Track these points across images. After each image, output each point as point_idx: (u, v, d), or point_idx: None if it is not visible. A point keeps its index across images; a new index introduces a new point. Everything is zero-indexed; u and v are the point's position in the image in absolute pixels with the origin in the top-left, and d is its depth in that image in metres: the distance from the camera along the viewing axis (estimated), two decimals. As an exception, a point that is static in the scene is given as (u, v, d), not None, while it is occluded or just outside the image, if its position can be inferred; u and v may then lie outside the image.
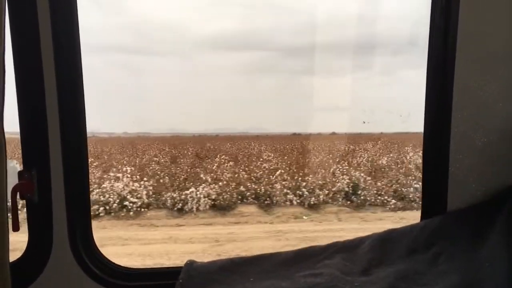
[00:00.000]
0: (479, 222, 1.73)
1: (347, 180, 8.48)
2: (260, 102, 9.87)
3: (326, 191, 8.21)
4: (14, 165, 1.80)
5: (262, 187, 8.34)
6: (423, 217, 1.96)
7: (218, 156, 9.82)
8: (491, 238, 1.63)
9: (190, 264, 1.79)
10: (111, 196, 7.58)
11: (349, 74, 9.66)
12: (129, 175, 8.14)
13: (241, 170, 9.24)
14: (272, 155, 10.33)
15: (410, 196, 8.05)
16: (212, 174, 8.75)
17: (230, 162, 9.56)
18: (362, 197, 8.18)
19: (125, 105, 8.73)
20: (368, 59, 8.64)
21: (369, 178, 8.71)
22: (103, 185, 7.84)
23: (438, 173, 1.90)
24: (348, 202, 8.15)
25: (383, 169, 9.37)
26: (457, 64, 1.83)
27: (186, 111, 9.48)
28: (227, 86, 9.57)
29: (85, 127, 1.88)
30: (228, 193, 8.10)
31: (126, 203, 7.53)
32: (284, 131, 11.38)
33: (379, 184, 8.55)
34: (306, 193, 8.06)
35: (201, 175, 8.67)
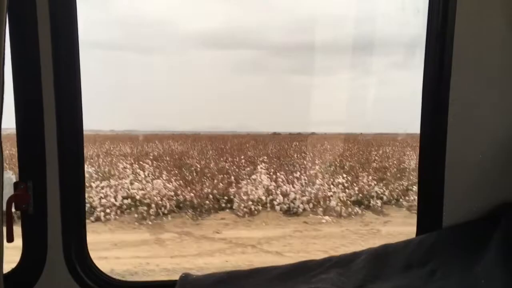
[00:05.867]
0: (475, 238, 1.76)
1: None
2: (248, 101, 9.81)
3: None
4: (10, 176, 1.77)
5: None
6: (418, 232, 1.98)
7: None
8: (487, 254, 1.66)
9: (185, 277, 1.76)
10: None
11: (339, 74, 9.66)
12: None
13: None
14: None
15: None
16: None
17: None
18: None
19: (112, 102, 8.59)
20: (358, 59, 8.65)
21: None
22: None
23: (434, 189, 1.92)
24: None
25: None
26: (452, 79, 1.85)
27: (173, 109, 9.37)
28: (214, 84, 9.49)
29: (83, 140, 1.86)
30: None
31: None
32: (272, 130, 11.25)
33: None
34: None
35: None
